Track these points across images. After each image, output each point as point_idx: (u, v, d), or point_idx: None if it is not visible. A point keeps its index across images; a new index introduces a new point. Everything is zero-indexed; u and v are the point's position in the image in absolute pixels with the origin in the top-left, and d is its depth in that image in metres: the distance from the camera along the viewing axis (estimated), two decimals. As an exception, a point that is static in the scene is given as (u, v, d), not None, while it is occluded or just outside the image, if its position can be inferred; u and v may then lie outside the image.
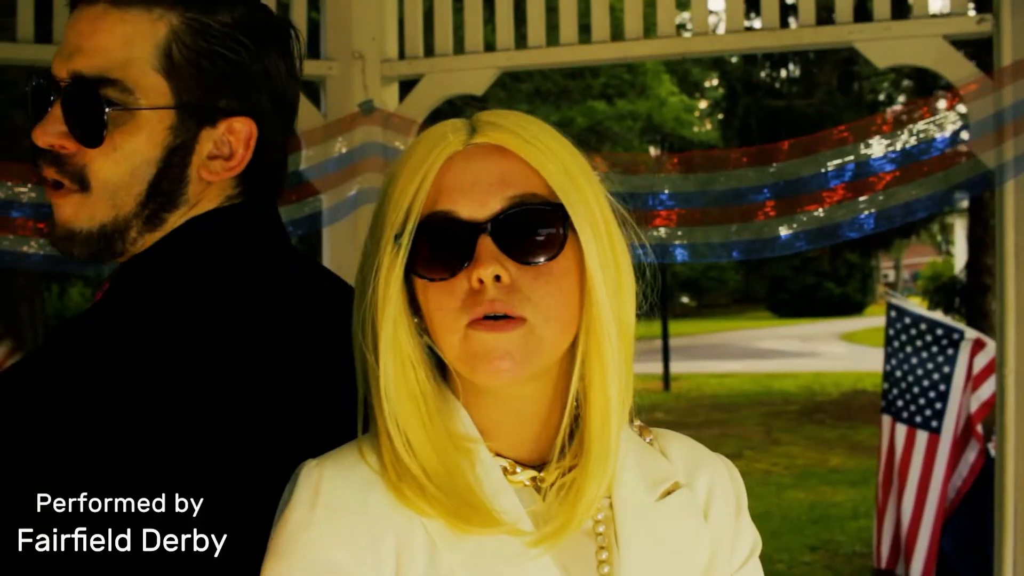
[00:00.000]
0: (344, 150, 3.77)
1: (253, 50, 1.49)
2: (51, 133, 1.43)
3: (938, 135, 3.33)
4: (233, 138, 1.48)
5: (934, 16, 3.49)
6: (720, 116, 23.98)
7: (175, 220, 1.48)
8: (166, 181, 1.46)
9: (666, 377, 20.19)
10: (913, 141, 3.35)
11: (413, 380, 1.29)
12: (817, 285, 37.84)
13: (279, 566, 1.23)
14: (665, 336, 21.07)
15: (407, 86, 4.04)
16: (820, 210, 3.36)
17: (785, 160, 3.39)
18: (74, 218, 1.45)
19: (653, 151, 24.64)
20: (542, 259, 1.27)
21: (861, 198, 3.34)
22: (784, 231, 3.38)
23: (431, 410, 1.30)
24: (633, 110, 22.25)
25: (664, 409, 16.38)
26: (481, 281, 1.24)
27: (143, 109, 1.43)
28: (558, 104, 19.74)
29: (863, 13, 3.56)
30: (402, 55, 3.98)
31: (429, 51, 3.95)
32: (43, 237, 3.41)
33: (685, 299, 44.25)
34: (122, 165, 1.44)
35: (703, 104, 29.74)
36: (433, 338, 1.30)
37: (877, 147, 3.37)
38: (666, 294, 25.48)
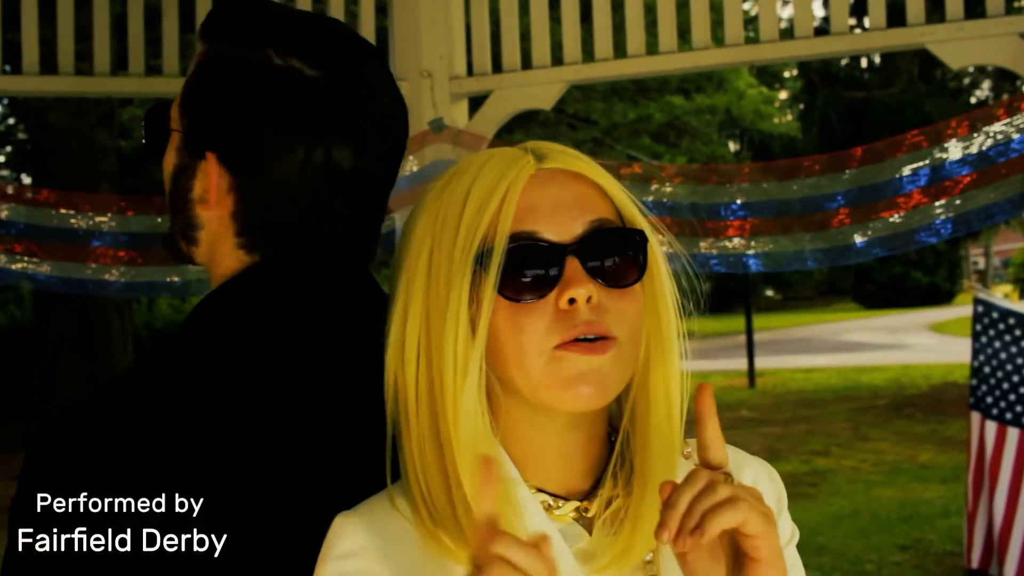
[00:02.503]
0: (415, 168, 3.80)
1: (262, 93, 1.48)
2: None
3: (1015, 136, 3.26)
4: (207, 174, 1.51)
5: (1009, 14, 3.42)
6: (800, 107, 23.64)
7: (205, 242, 1.54)
8: (175, 199, 1.55)
9: (751, 373, 19.94)
10: (989, 143, 3.28)
11: (480, 418, 1.26)
12: (904, 275, 37.19)
13: None
14: (749, 331, 20.80)
15: (476, 103, 4.07)
16: (896, 216, 3.31)
17: (858, 166, 3.35)
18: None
19: (732, 145, 24.40)
20: (629, 281, 1.29)
21: (937, 203, 3.29)
22: (859, 238, 3.33)
23: (490, 445, 1.27)
24: (711, 104, 22.04)
25: (749, 406, 16.18)
26: (571, 302, 1.23)
27: (168, 121, 1.55)
28: (635, 100, 19.63)
29: (936, 13, 3.50)
30: (470, 72, 4.00)
31: (497, 67, 3.97)
32: (124, 265, 3.49)
33: (769, 292, 43.83)
34: (164, 176, 1.57)
35: (783, 95, 29.39)
36: (503, 364, 1.26)
37: (953, 151, 3.31)
38: (750, 288, 25.20)
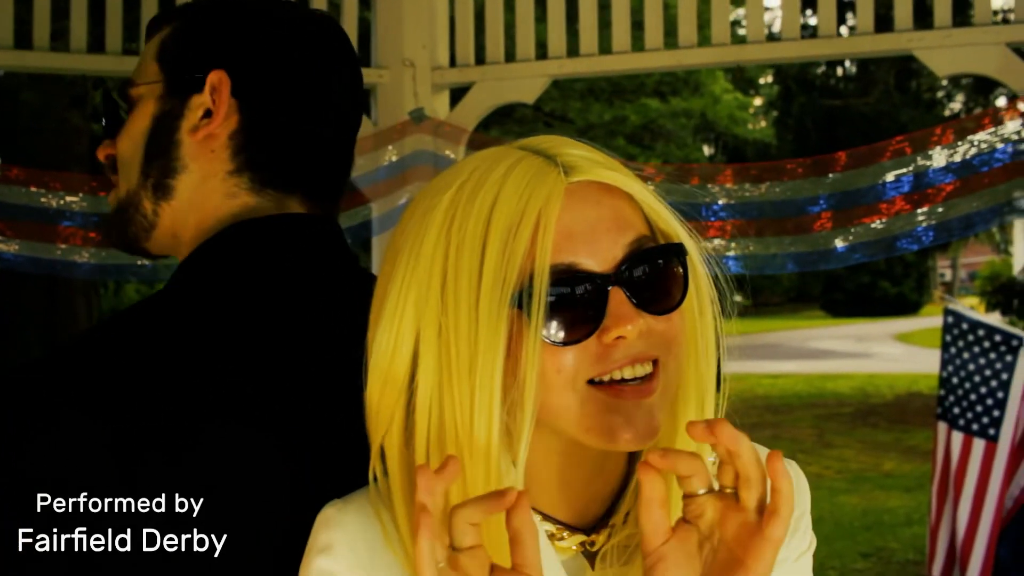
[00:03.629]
0: (395, 158, 3.75)
1: (248, 23, 1.54)
2: (103, 146, 1.60)
3: (999, 146, 3.25)
4: (213, 93, 1.50)
5: (996, 23, 3.41)
6: (775, 114, 23.75)
7: (184, 189, 1.52)
8: (156, 145, 1.51)
9: (717, 377, 20.00)
10: (973, 152, 3.27)
11: (494, 456, 1.12)
12: (872, 284, 37.41)
13: None
14: (718, 335, 20.87)
15: (458, 94, 4.02)
16: (878, 222, 3.29)
17: (842, 171, 3.33)
18: (113, 201, 1.57)
19: (707, 149, 24.48)
20: (675, 304, 1.16)
21: (920, 210, 3.28)
22: (840, 243, 3.32)
23: (496, 472, 1.13)
24: (687, 108, 22.08)
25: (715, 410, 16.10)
26: (619, 337, 1.10)
27: (137, 87, 1.53)
28: (611, 101, 19.64)
29: (923, 20, 3.49)
30: (453, 63, 3.96)
31: (480, 59, 3.93)
32: (94, 246, 3.43)
33: (738, 298, 43.92)
34: (126, 142, 1.54)
35: (758, 101, 29.51)
36: (527, 397, 1.11)
37: (937, 158, 3.30)
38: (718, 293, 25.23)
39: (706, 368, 1.23)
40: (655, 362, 1.14)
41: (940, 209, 3.26)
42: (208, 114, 1.50)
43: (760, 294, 44.47)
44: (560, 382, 1.11)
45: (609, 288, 1.11)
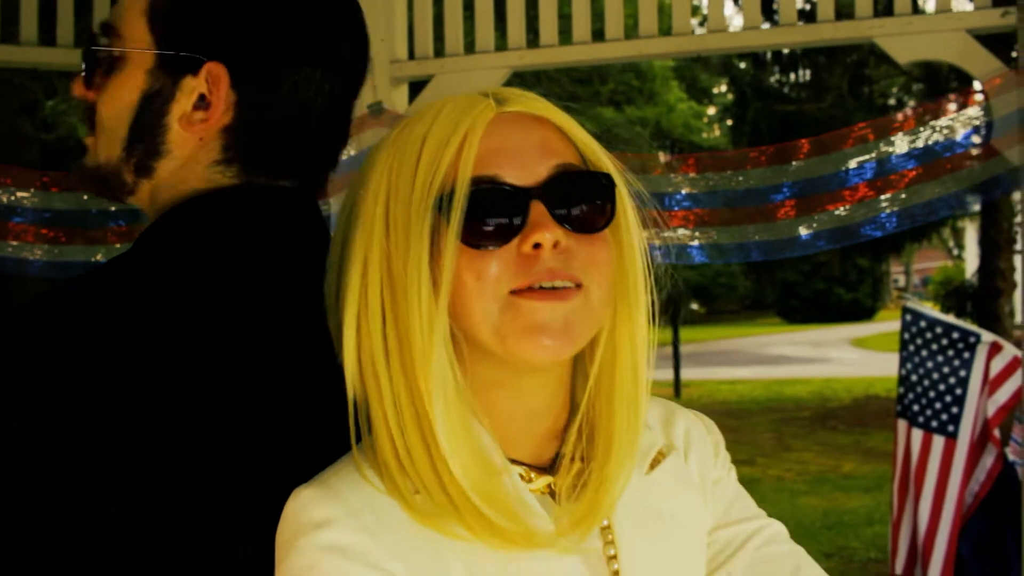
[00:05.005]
0: (352, 153, 3.69)
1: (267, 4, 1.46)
2: (77, 84, 1.52)
3: (961, 132, 3.25)
4: (210, 85, 1.43)
5: (956, 10, 3.42)
6: (729, 122, 23.92)
7: (164, 171, 1.47)
8: (143, 126, 1.45)
9: (676, 384, 20.13)
10: (936, 138, 3.27)
11: (450, 375, 1.18)
12: (827, 291, 37.79)
13: None
14: (676, 342, 21.00)
15: (417, 87, 3.98)
16: (841, 209, 3.28)
17: (804, 158, 3.32)
18: (88, 156, 1.51)
19: (663, 157, 24.61)
20: (598, 226, 1.22)
21: (883, 196, 3.27)
22: (804, 231, 3.30)
23: (464, 412, 1.19)
24: (642, 116, 22.22)
25: (675, 416, 16.20)
26: (536, 246, 1.16)
27: (122, 51, 1.46)
28: (568, 108, 19.71)
29: (884, 8, 3.49)
30: (412, 56, 3.92)
31: (439, 51, 3.88)
32: (46, 243, 3.35)
33: (695, 306, 44.18)
34: (110, 107, 1.47)
35: (712, 110, 29.73)
36: (464, 314, 1.18)
37: (899, 144, 3.29)
38: (676, 300, 25.40)
39: (635, 302, 1.26)
40: (579, 286, 1.19)
41: (903, 195, 3.26)
42: (202, 101, 1.43)
43: (716, 302, 44.74)
44: (481, 289, 1.17)
45: (531, 201, 1.18)
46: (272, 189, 1.48)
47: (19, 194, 3.29)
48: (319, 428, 1.30)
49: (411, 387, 1.18)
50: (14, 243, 3.33)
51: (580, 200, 1.21)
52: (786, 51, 17.80)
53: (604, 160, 1.27)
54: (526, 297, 1.17)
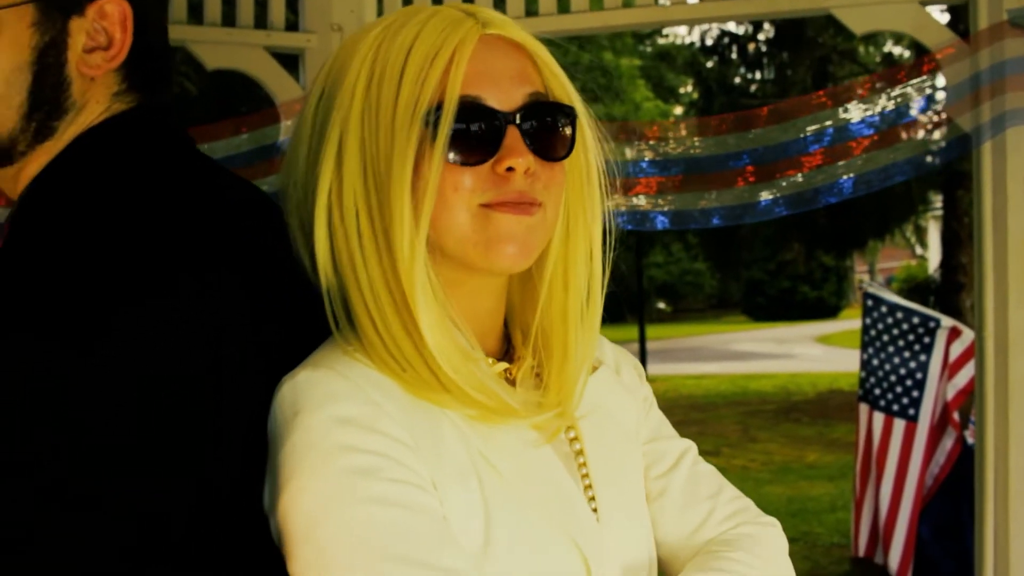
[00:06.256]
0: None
1: None
2: None
3: (916, 98, 3.33)
4: (107, 23, 1.39)
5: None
6: (695, 116, 24.02)
7: (66, 127, 1.40)
8: (46, 86, 1.37)
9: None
10: (891, 106, 3.35)
11: (429, 277, 1.27)
12: (792, 289, 37.99)
13: (313, 485, 1.18)
14: (642, 339, 21.12)
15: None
16: (799, 175, 3.36)
17: (764, 126, 3.40)
18: None
19: (629, 152, 24.64)
20: (561, 155, 1.33)
21: (840, 163, 3.35)
22: (764, 196, 3.38)
23: (441, 310, 1.28)
24: (608, 113, 22.30)
25: (642, 409, 16.26)
26: (509, 170, 1.27)
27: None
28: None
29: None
30: (380, 26, 3.95)
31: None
32: None
33: (661, 304, 44.35)
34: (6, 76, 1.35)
35: (678, 110, 29.86)
36: (434, 222, 1.27)
37: (855, 112, 3.38)
38: (642, 298, 25.53)
39: (593, 225, 1.40)
40: (539, 204, 1.31)
41: (859, 162, 3.34)
42: (93, 40, 1.38)
43: (682, 300, 44.95)
44: (456, 200, 1.27)
45: (508, 125, 1.28)
46: (165, 106, 1.48)
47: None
48: (274, 329, 1.33)
49: (390, 283, 1.26)
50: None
51: (548, 130, 1.32)
52: (751, 47, 17.96)
53: (570, 90, 1.37)
54: (496, 210, 1.27)
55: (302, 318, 1.34)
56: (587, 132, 1.39)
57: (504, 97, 1.29)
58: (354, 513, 1.16)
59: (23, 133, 1.38)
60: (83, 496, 1.15)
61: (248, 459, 1.25)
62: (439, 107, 1.25)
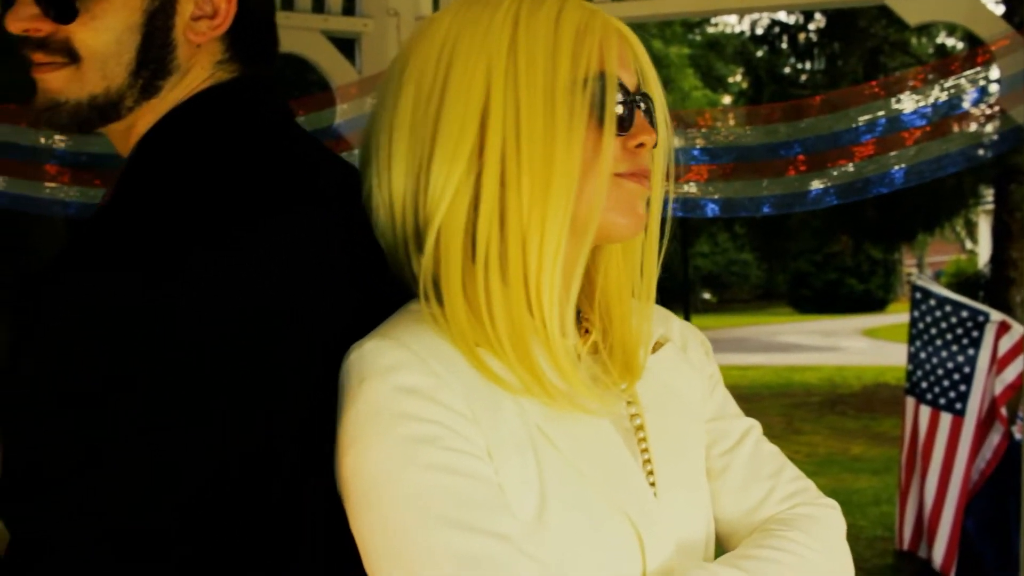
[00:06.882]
0: (376, 107, 3.79)
1: None
2: (23, 17, 1.41)
3: (969, 90, 3.33)
4: None
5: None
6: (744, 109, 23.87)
7: (171, 88, 1.47)
8: (153, 47, 1.44)
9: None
10: (944, 97, 3.35)
11: (562, 250, 1.32)
12: (839, 281, 37.67)
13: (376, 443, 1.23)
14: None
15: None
16: (850, 165, 3.37)
17: (816, 115, 3.41)
18: (65, 89, 1.43)
19: (678, 142, 24.57)
20: (655, 142, 1.41)
21: (891, 153, 3.35)
22: (815, 186, 3.39)
23: (563, 284, 1.37)
24: (657, 103, 22.19)
25: (685, 399, 16.18)
26: (639, 145, 1.36)
27: None
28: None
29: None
30: (436, 10, 4.00)
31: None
32: (81, 186, 3.42)
33: (707, 295, 44.20)
34: (105, 34, 1.41)
35: (727, 99, 29.71)
36: (599, 189, 1.34)
37: (908, 103, 3.38)
38: (687, 288, 25.44)
39: (657, 200, 1.46)
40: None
41: (911, 152, 3.34)
42: (204, 12, 1.45)
43: (728, 290, 44.75)
44: (596, 169, 1.33)
45: (637, 105, 1.38)
46: (267, 79, 1.54)
47: (56, 136, 3.37)
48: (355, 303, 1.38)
49: (516, 255, 1.31)
50: (51, 185, 3.42)
51: (650, 113, 1.41)
52: (801, 37, 17.83)
53: (657, 78, 1.46)
54: (628, 179, 1.37)
55: (375, 299, 1.37)
56: (667, 117, 1.47)
57: (630, 79, 1.39)
58: (413, 478, 1.20)
59: (131, 89, 1.44)
60: (159, 426, 1.20)
61: (309, 417, 1.29)
62: (600, 78, 1.33)
